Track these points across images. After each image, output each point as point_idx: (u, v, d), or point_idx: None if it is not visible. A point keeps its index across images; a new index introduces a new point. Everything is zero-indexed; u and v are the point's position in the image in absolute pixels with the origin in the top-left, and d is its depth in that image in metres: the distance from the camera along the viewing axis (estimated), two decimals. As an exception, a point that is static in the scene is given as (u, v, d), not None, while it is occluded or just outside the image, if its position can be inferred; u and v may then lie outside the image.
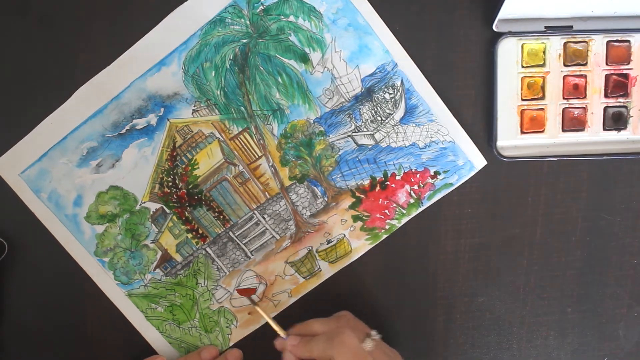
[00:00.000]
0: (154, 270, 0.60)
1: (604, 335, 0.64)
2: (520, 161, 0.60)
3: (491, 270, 0.62)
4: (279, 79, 0.58)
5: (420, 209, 0.61)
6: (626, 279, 0.63)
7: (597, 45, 0.58)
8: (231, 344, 0.61)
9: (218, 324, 0.61)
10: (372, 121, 0.59)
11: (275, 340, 0.57)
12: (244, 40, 0.57)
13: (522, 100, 0.59)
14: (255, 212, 0.60)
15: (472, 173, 0.60)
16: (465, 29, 0.58)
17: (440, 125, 0.59)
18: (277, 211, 0.60)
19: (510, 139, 0.60)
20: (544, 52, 0.58)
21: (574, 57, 0.59)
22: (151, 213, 0.59)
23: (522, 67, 0.59)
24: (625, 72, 0.59)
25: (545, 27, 0.58)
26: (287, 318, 0.61)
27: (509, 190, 0.61)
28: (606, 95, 0.59)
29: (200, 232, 0.60)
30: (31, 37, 0.56)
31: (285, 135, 0.59)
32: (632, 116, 0.60)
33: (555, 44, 0.58)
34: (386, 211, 0.61)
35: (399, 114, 0.59)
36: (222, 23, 0.57)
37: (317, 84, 0.58)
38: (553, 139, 0.60)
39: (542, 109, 0.59)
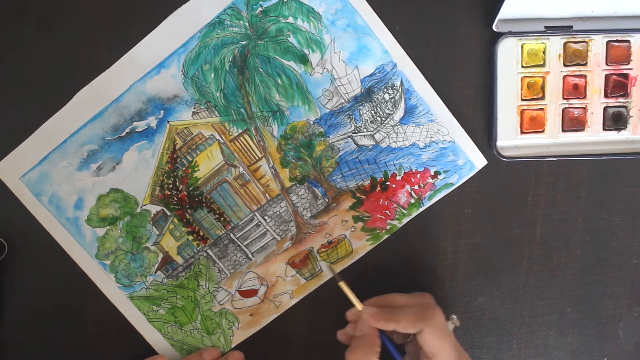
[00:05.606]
0: (156, 272, 0.60)
1: (603, 335, 0.64)
2: (520, 161, 0.60)
3: (491, 270, 0.62)
4: (279, 81, 0.58)
5: (421, 209, 0.61)
6: (626, 279, 0.63)
7: (597, 45, 0.58)
8: (233, 345, 0.62)
9: (220, 326, 0.61)
10: (371, 122, 0.59)
11: (348, 311, 0.57)
12: (243, 42, 0.57)
13: (522, 100, 0.59)
14: (256, 213, 0.60)
15: (473, 173, 0.60)
16: (465, 29, 0.58)
17: (440, 125, 0.59)
18: (278, 212, 0.60)
19: (510, 139, 0.60)
20: (543, 52, 0.58)
21: (574, 57, 0.58)
22: (152, 215, 0.59)
23: (522, 67, 0.58)
24: (625, 72, 0.59)
25: (545, 27, 0.58)
26: (288, 319, 0.61)
27: (509, 190, 0.61)
28: (606, 95, 0.59)
29: (201, 234, 0.60)
30: (30, 40, 0.56)
31: (285, 136, 0.59)
32: (632, 116, 0.60)
33: (555, 44, 0.58)
34: (387, 211, 0.61)
35: (399, 114, 0.59)
36: (221, 25, 0.57)
37: (317, 85, 0.58)
38: (553, 139, 0.60)
39: (542, 109, 0.59)
